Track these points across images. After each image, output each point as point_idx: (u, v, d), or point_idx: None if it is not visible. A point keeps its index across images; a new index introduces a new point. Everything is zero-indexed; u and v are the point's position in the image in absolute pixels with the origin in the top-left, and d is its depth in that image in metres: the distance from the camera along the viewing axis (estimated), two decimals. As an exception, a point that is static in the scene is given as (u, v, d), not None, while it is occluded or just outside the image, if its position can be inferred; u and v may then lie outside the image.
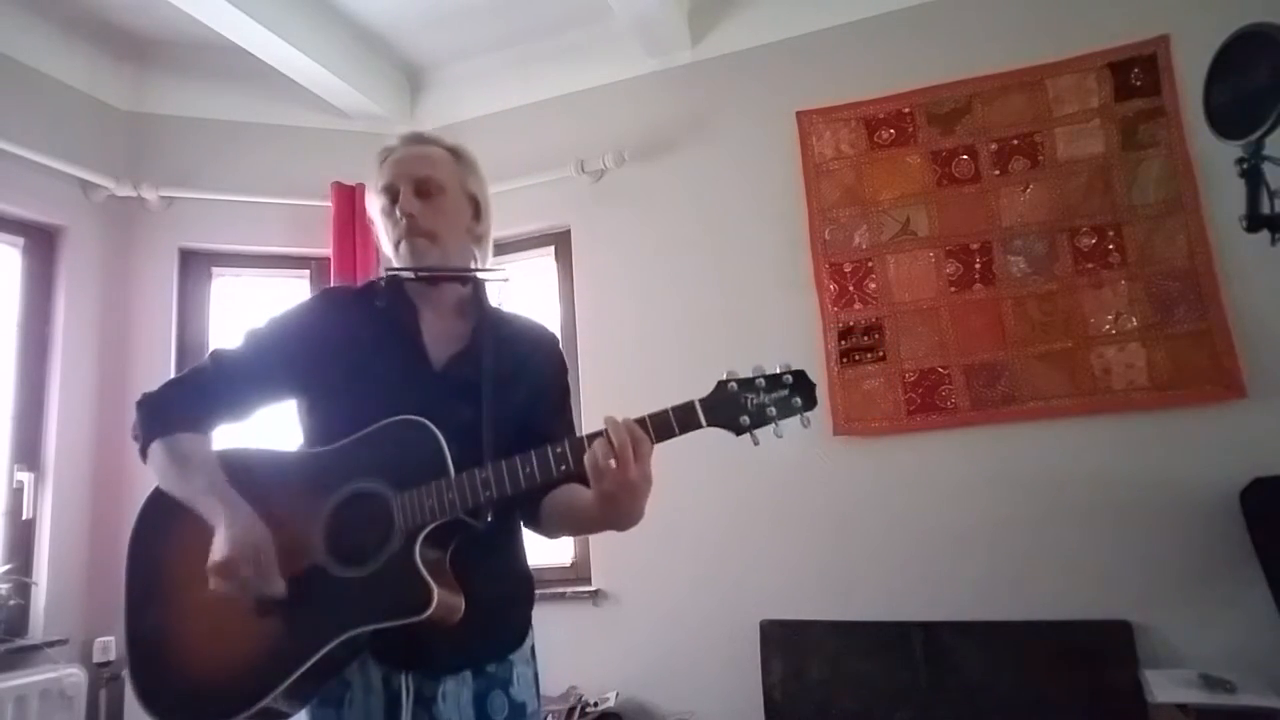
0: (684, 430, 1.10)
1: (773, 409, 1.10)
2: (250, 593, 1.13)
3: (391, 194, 1.34)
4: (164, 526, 1.26)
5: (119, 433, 3.02)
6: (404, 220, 1.32)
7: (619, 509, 1.12)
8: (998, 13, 2.83)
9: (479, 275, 1.39)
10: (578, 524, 1.31)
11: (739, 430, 1.10)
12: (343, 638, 1.11)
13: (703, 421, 1.10)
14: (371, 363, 1.28)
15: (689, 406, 1.10)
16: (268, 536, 1.16)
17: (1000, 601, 2.52)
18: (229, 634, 1.17)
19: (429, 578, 1.09)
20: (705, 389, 1.12)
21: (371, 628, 1.11)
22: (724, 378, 1.11)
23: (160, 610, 1.23)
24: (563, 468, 1.12)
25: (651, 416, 1.10)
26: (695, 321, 3.02)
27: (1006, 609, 2.50)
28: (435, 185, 1.35)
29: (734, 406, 1.10)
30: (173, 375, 1.39)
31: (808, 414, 1.11)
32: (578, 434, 1.37)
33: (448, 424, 1.17)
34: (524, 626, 1.34)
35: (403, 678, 1.17)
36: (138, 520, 1.29)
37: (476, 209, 1.42)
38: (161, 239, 3.25)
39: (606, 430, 1.09)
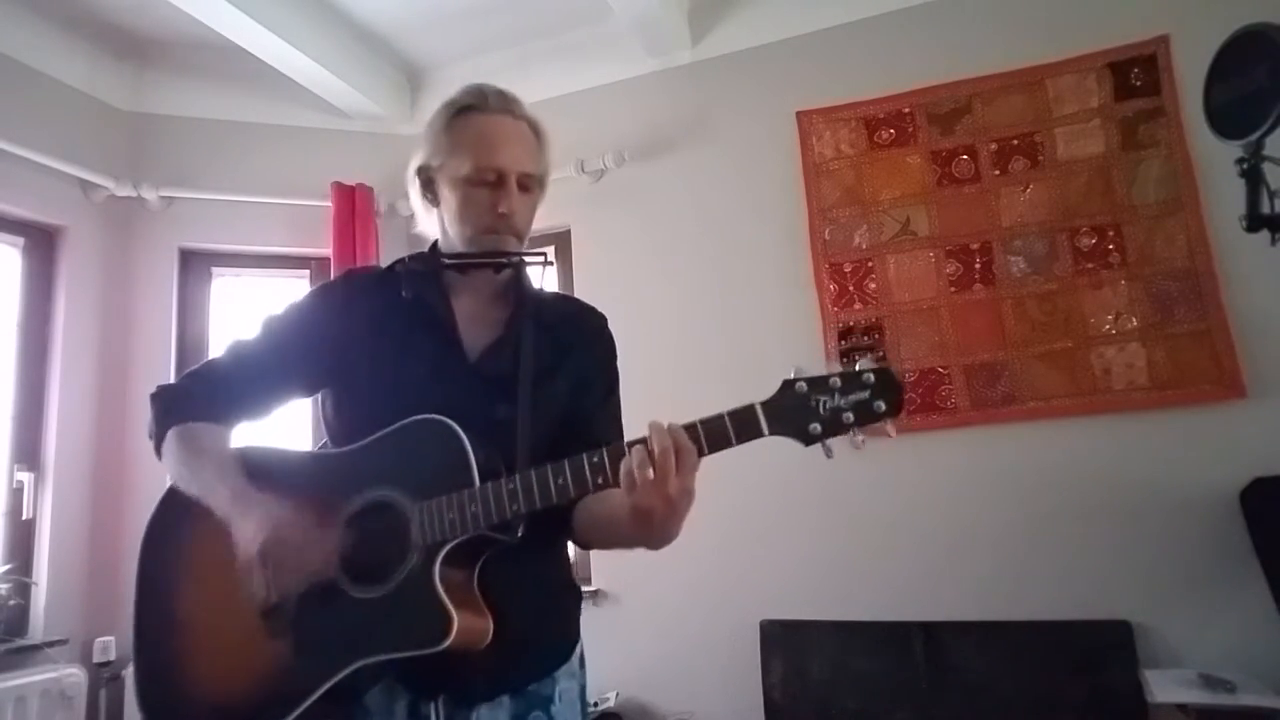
0: (742, 439, 0.93)
1: (850, 414, 0.92)
2: (304, 574, 1.04)
3: (489, 178, 1.19)
4: (174, 535, 1.19)
5: (119, 433, 3.05)
6: (501, 213, 1.18)
7: (650, 526, 0.96)
8: (998, 13, 2.83)
9: (516, 259, 1.23)
10: (614, 537, 1.15)
11: (808, 440, 0.92)
12: (353, 667, 1.02)
13: (764, 429, 0.93)
14: (400, 354, 1.18)
15: (748, 411, 0.93)
16: (290, 518, 1.06)
17: (1000, 601, 2.52)
18: (238, 654, 1.10)
19: (448, 603, 0.98)
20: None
21: (383, 658, 1.01)
22: (791, 376, 0.94)
23: (170, 627, 1.16)
24: (599, 479, 0.97)
25: (704, 422, 0.94)
26: (695, 322, 3.01)
27: (1007, 609, 2.51)
28: (536, 183, 1.23)
29: (803, 411, 0.92)
30: (173, 376, 1.32)
31: (891, 421, 0.92)
32: (624, 432, 1.26)
33: (481, 422, 1.06)
34: (570, 641, 1.21)
35: (432, 706, 1.07)
36: (149, 526, 1.22)
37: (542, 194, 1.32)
38: (161, 239, 3.25)
39: (648, 436, 0.94)
